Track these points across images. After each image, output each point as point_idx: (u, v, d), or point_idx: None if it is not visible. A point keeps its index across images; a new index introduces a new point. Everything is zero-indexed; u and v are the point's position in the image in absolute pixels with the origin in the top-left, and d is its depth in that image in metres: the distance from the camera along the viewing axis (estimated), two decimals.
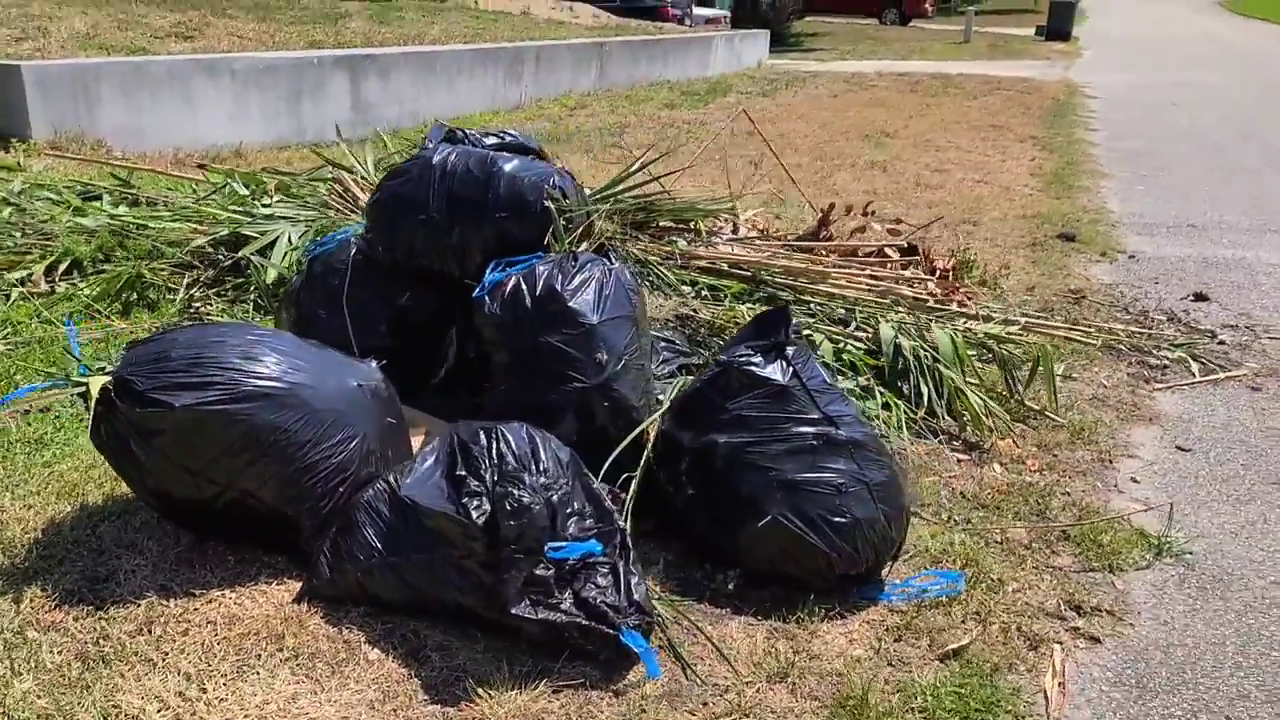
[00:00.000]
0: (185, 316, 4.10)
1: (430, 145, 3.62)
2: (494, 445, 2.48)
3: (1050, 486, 3.42)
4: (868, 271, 4.33)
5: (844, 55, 23.28)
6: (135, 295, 4.23)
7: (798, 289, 4.12)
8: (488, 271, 3.20)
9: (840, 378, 3.80)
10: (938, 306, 4.26)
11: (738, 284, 4.12)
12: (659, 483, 2.87)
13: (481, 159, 3.40)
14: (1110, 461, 3.66)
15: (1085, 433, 3.82)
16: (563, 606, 2.37)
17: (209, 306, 4.16)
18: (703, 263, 4.15)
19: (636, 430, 2.97)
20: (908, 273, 4.59)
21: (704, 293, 4.10)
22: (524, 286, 3.06)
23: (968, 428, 3.74)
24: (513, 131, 3.92)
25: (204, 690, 2.25)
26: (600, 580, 2.47)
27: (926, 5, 36.00)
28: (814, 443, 2.68)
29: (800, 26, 30.63)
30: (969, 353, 3.93)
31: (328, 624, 2.49)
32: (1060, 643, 2.62)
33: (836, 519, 2.62)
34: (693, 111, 12.60)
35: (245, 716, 2.19)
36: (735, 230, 4.66)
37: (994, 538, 3.08)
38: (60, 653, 2.34)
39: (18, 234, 4.62)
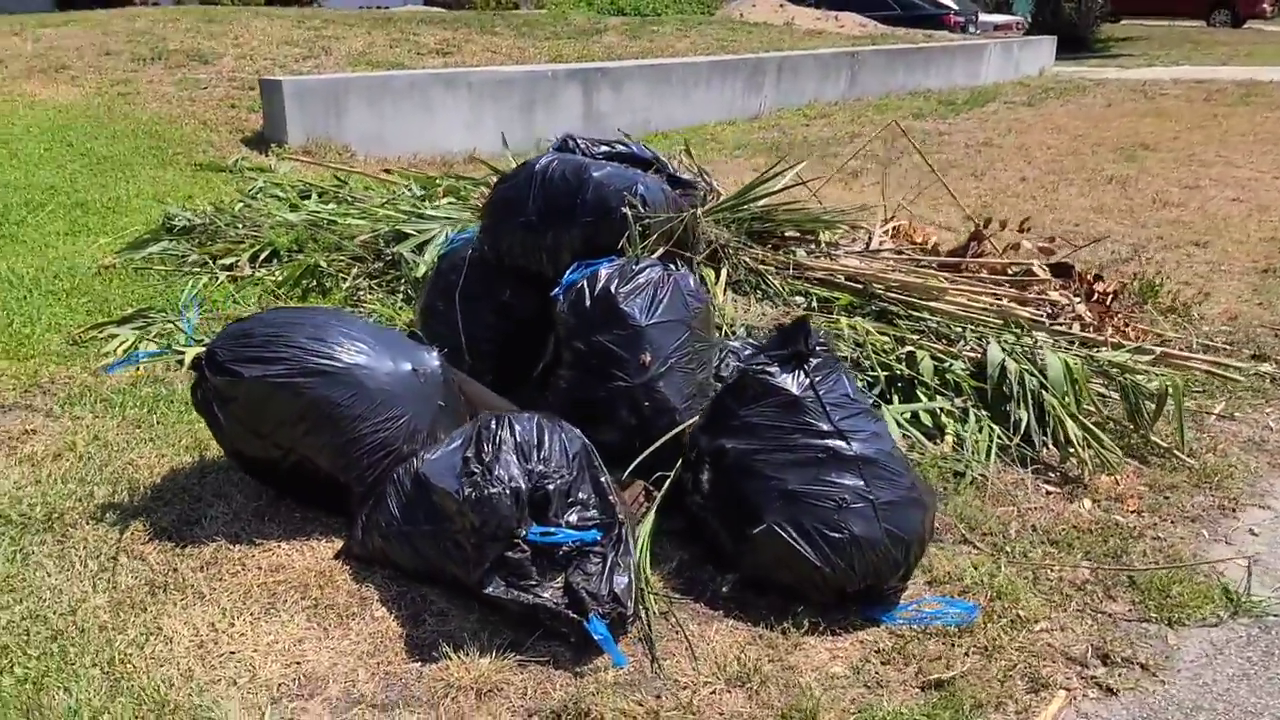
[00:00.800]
0: (349, 303, 4.58)
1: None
2: (500, 432, 2.66)
3: (1143, 529, 3.17)
4: (989, 290, 4.14)
5: (1151, 61, 21.57)
6: (314, 282, 4.77)
7: (910, 304, 4.01)
8: (568, 272, 3.40)
9: (939, 397, 3.69)
10: (1063, 330, 4.00)
11: (847, 297, 4.07)
12: (685, 484, 2.95)
13: (576, 166, 3.60)
14: (1234, 510, 3.32)
15: (1215, 477, 3.48)
16: (536, 588, 2.51)
17: (370, 295, 4.62)
18: (819, 274, 4.14)
19: (673, 432, 3.06)
20: (1054, 294, 4.32)
21: (814, 304, 4.08)
22: (587, 288, 3.23)
23: (1071, 459, 3.51)
24: (629, 142, 4.08)
25: (232, 624, 2.58)
26: (589, 568, 2.59)
27: (1265, 5, 32.43)
28: (820, 455, 2.66)
29: (1114, 31, 28.68)
30: (1088, 381, 3.68)
31: (353, 581, 2.77)
32: (1067, 689, 2.46)
33: (833, 534, 2.60)
34: (940, 122, 12.21)
35: (254, 651, 2.50)
36: (870, 242, 4.58)
37: (1047, 574, 2.90)
38: (135, 578, 2.75)
39: (241, 226, 5.31)
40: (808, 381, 2.74)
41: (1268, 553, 3.08)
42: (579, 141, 3.95)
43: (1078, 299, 4.36)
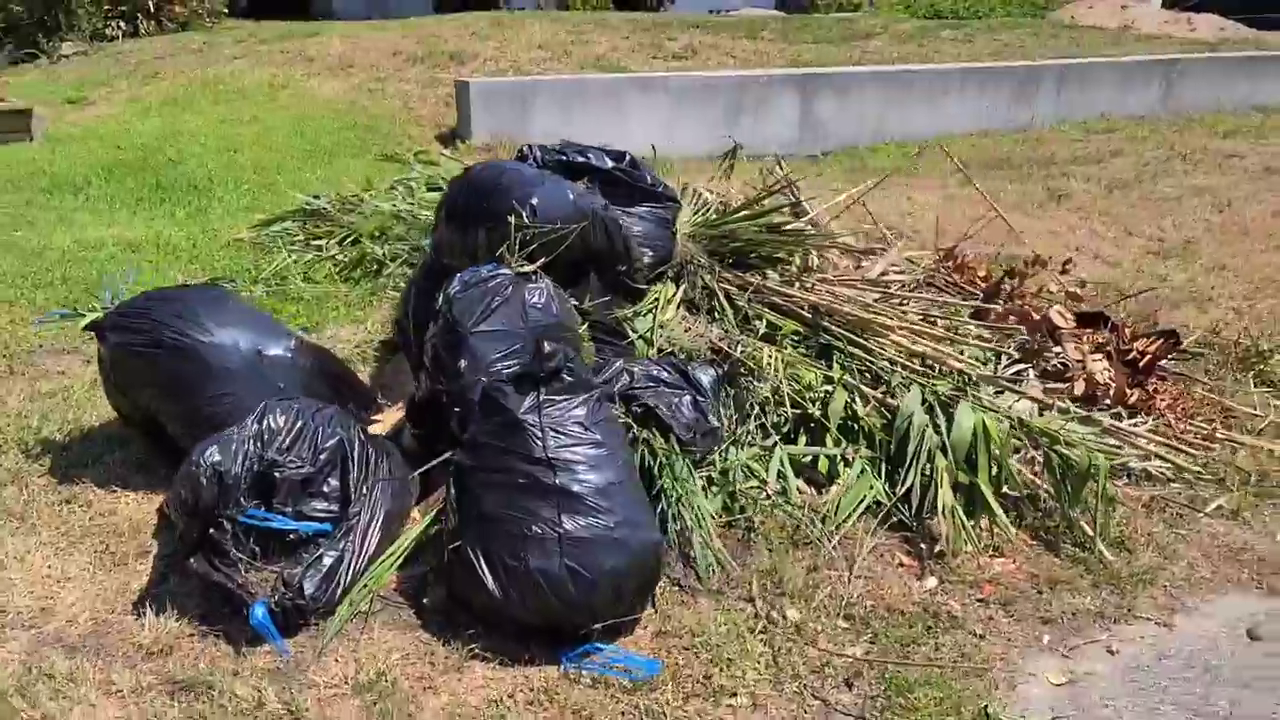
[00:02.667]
0: (380, 289, 4.93)
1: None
2: (267, 418, 2.84)
3: (970, 625, 2.75)
4: (936, 331, 3.66)
5: None
6: (374, 267, 5.18)
7: (858, 340, 3.66)
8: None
9: (849, 444, 3.38)
10: (1014, 389, 3.47)
11: (792, 325, 3.78)
12: None
13: (497, 171, 3.68)
14: (1112, 623, 2.79)
15: (1125, 584, 2.92)
16: (230, 568, 2.65)
17: (399, 283, 4.94)
18: (778, 299, 3.88)
19: None
20: (1070, 348, 3.75)
21: (763, 329, 3.84)
22: (443, 291, 3.31)
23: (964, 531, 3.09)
24: (591, 151, 4.05)
25: (29, 553, 2.95)
26: (304, 558, 2.70)
27: None
28: (521, 481, 2.59)
29: None
30: (1007, 446, 3.20)
31: (151, 537, 3.06)
32: None
33: (512, 562, 2.52)
34: (1254, 144, 10.61)
35: (24, 578, 2.84)
36: (873, 272, 4.19)
37: (801, 649, 2.62)
38: (15, 503, 3.21)
39: (351, 213, 5.84)
40: (535, 404, 2.65)
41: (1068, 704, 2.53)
42: (535, 149, 3.99)
43: (1096, 357, 3.75)
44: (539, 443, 2.61)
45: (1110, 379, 3.68)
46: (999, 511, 3.09)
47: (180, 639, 2.60)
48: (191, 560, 2.69)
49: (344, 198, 6.04)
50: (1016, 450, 3.29)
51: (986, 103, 10.73)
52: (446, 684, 2.46)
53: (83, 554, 2.97)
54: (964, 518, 3.08)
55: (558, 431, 2.63)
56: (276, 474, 2.75)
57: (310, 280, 5.14)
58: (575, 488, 2.56)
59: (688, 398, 3.50)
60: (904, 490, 3.16)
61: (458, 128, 8.13)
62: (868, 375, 3.60)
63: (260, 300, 4.90)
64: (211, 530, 2.67)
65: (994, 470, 3.19)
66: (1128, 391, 3.66)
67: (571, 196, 3.57)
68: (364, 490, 2.85)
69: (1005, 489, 3.23)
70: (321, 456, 2.83)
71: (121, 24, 14.70)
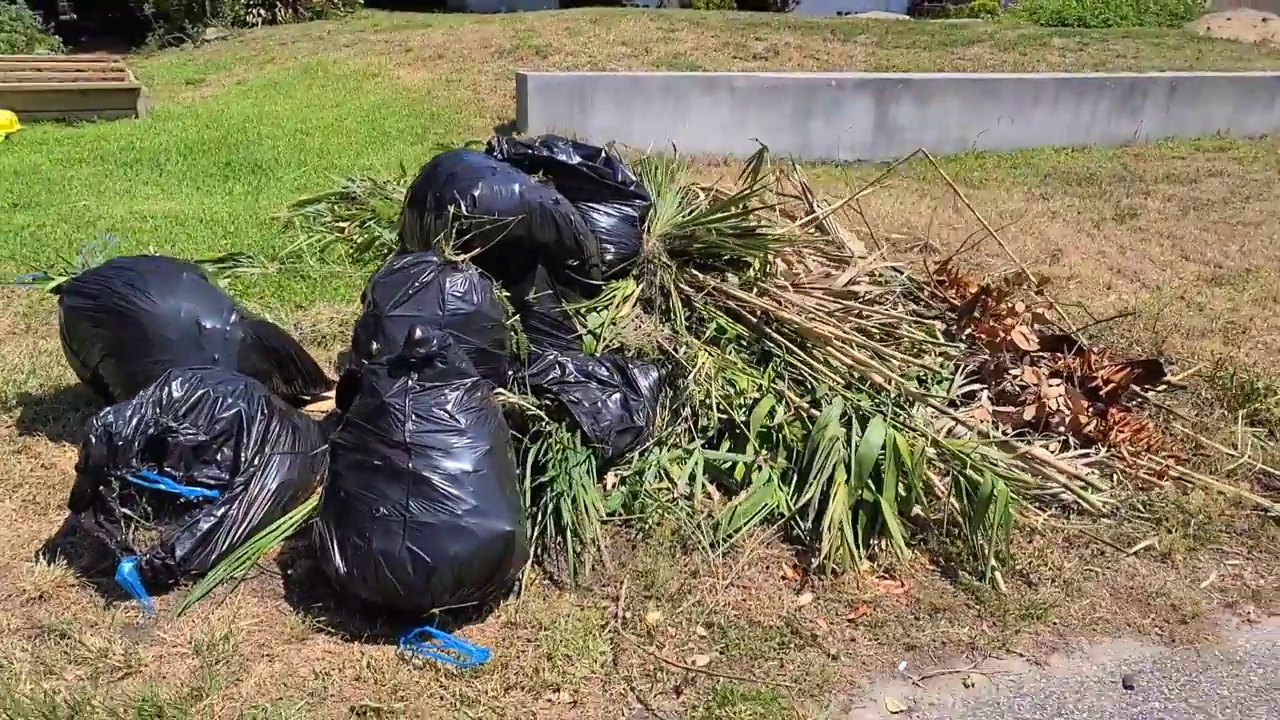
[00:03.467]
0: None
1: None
2: (168, 386, 2.97)
3: (822, 644, 2.69)
4: (872, 344, 3.54)
5: None
6: (386, 250, 5.32)
7: (797, 350, 3.58)
8: None
9: (759, 452, 3.33)
10: (939, 408, 3.34)
11: (737, 330, 3.73)
12: None
13: (453, 160, 3.74)
14: (982, 653, 2.67)
15: (1007, 616, 2.80)
16: (113, 525, 2.79)
17: None
18: (731, 302, 3.84)
19: None
20: (1027, 372, 3.59)
21: (710, 332, 3.80)
22: (376, 274, 3.40)
23: (848, 548, 3.01)
24: (563, 147, 4.07)
25: None
26: (186, 519, 2.83)
27: None
28: (377, 463, 2.64)
29: None
30: (919, 466, 3.09)
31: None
32: None
33: (357, 541, 2.58)
34: None
35: None
36: (839, 281, 4.08)
37: (641, 652, 2.60)
38: None
39: (377, 197, 6.02)
40: (404, 389, 2.71)
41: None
42: (501, 141, 4.04)
43: (1054, 382, 3.58)
44: (400, 427, 2.66)
45: (1065, 405, 3.50)
46: (895, 532, 2.99)
47: (60, 588, 2.75)
48: (81, 515, 2.84)
49: (376, 183, 6.23)
50: (947, 473, 3.17)
51: (1086, 115, 10.28)
52: (284, 653, 2.54)
53: (13, 502, 3.16)
54: (857, 535, 3.00)
55: (421, 417, 2.68)
56: (170, 439, 2.88)
57: (323, 260, 5.33)
58: (427, 473, 2.60)
59: (618, 395, 3.50)
60: (802, 503, 3.09)
61: (516, 121, 8.26)
62: (804, 385, 3.52)
63: (271, 277, 5.11)
64: (101, 488, 2.81)
65: (903, 490, 3.09)
66: (1083, 420, 3.48)
67: (517, 189, 3.60)
68: (256, 461, 2.96)
69: (919, 510, 3.13)
70: (217, 426, 2.95)
71: (261, 11, 15.52)
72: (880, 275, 4.33)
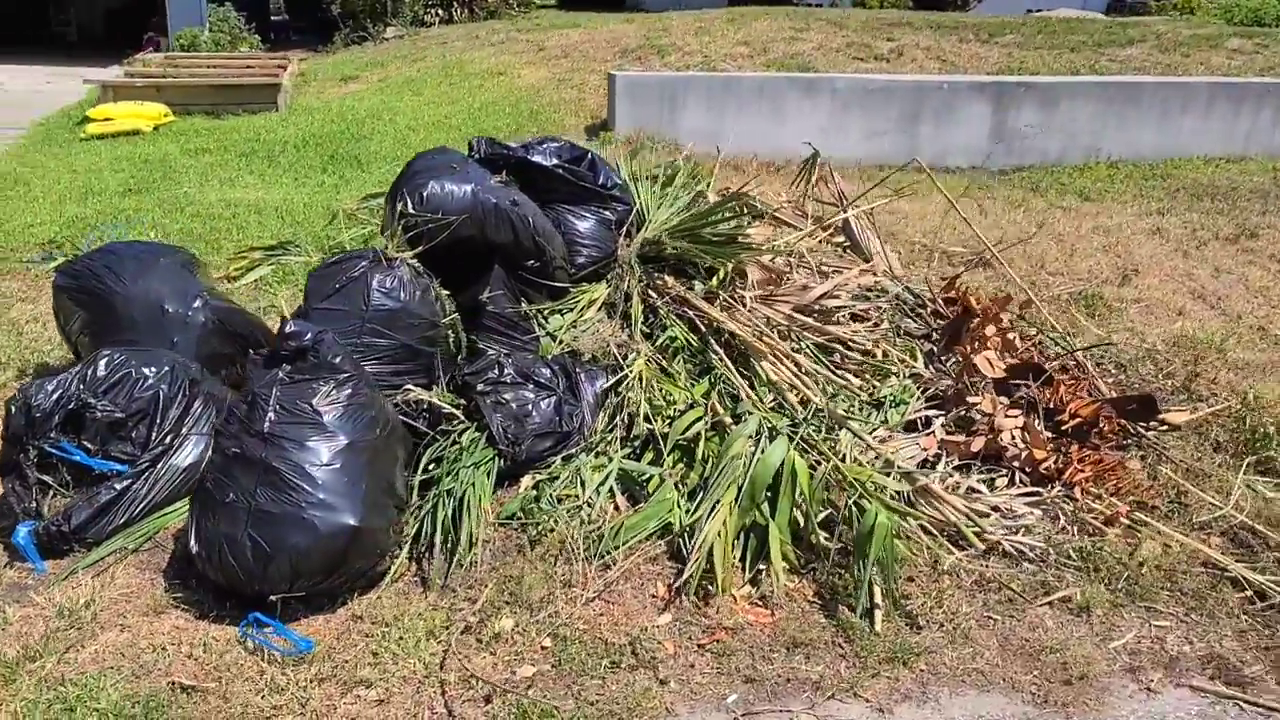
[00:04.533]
0: None
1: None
2: (95, 365, 3.17)
3: (656, 666, 2.59)
4: (802, 360, 3.34)
5: None
6: None
7: (731, 363, 3.46)
8: None
9: (674, 465, 3.25)
10: (855, 428, 3.13)
11: (688, 338, 3.63)
12: None
13: (430, 157, 3.85)
14: (826, 694, 2.52)
15: (870, 656, 2.63)
16: (27, 490, 3.00)
17: None
18: (690, 311, 3.74)
19: None
20: (985, 401, 3.34)
21: (662, 339, 3.71)
22: (313, 268, 3.52)
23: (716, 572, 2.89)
24: (538, 148, 4.08)
25: None
26: (91, 491, 3.01)
27: None
28: (236, 450, 2.73)
29: None
30: (816, 491, 2.94)
31: None
32: None
33: (208, 524, 2.69)
34: None
35: None
36: (811, 294, 3.89)
37: (476, 657, 2.60)
38: None
39: None
40: (273, 381, 2.79)
41: None
42: (481, 143, 4.08)
43: (1013, 413, 3.32)
44: (263, 417, 2.74)
45: (1020, 440, 3.24)
46: (776, 558, 2.85)
47: None
48: (6, 475, 3.07)
49: None
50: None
51: (1244, 123, 9.44)
52: (136, 624, 2.67)
53: None
54: (746, 557, 2.89)
55: (284, 409, 2.75)
56: (88, 415, 3.07)
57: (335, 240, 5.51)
58: (277, 463, 2.67)
59: (553, 399, 3.49)
60: (691, 520, 2.98)
61: (608, 119, 8.30)
62: (737, 399, 3.40)
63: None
64: (20, 455, 3.03)
65: (799, 515, 2.94)
66: (1039, 455, 3.21)
67: (470, 189, 3.64)
68: (168, 441, 3.11)
69: (823, 537, 2.97)
70: (134, 405, 3.12)
71: (439, 11, 16.27)
72: (876, 289, 4.12)
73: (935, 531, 2.99)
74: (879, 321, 3.94)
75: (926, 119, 8.53)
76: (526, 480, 3.30)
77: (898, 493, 2.97)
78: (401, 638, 2.63)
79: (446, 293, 3.59)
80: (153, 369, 3.19)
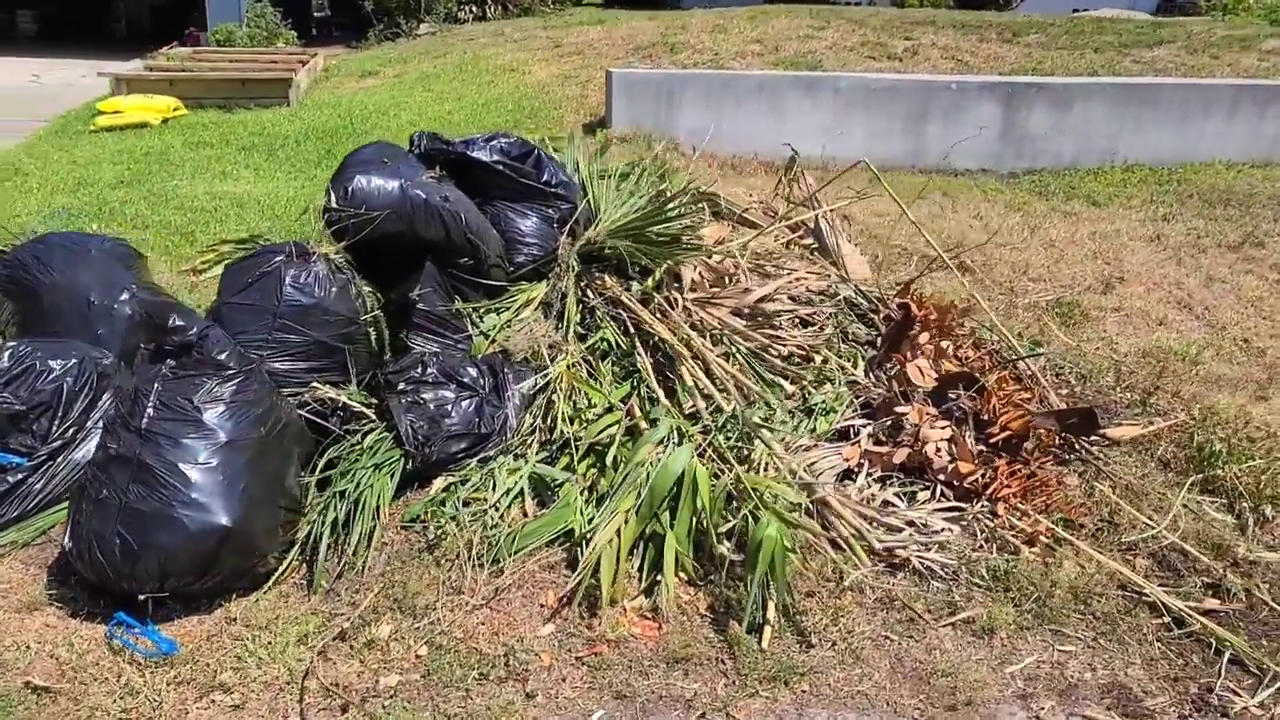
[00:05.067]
0: None
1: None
2: (1, 356, 3.15)
3: (539, 675, 2.50)
4: (716, 365, 3.22)
5: None
6: None
7: (651, 367, 3.36)
8: None
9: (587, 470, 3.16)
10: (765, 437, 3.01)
11: (613, 339, 3.53)
12: None
13: (360, 152, 3.80)
14: (698, 713, 2.41)
15: (752, 675, 2.52)
16: None
17: None
18: (624, 313, 3.64)
19: None
20: (912, 411, 3.20)
21: (593, 340, 3.62)
22: (229, 263, 3.49)
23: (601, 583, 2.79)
24: (482, 144, 4.00)
25: None
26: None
27: None
28: (113, 446, 2.68)
29: None
30: (718, 501, 2.83)
31: None
32: None
33: (81, 520, 2.64)
34: None
35: None
36: (750, 296, 3.76)
37: (345, 662, 2.53)
38: None
39: None
40: (155, 376, 2.74)
41: None
42: (422, 137, 4.01)
43: (942, 424, 3.18)
44: (142, 413, 2.69)
45: (944, 452, 3.10)
46: (668, 570, 2.74)
47: None
48: None
49: None
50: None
51: (1269, 127, 9.11)
52: (5, 621, 2.63)
53: None
54: (644, 566, 2.79)
55: (163, 405, 2.70)
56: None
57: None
58: (151, 460, 2.62)
59: (474, 400, 3.41)
60: (591, 528, 2.89)
61: (606, 116, 8.21)
62: (653, 404, 3.31)
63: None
64: None
65: (699, 524, 2.84)
66: (965, 469, 3.07)
67: (398, 184, 3.57)
68: (70, 434, 3.08)
69: (725, 549, 2.86)
70: (37, 397, 3.09)
71: (473, 8, 16.30)
72: (829, 292, 3.99)
73: (843, 545, 2.86)
74: (824, 326, 3.81)
75: (933, 119, 8.33)
76: (438, 483, 3.22)
77: (797, 505, 2.85)
78: (271, 642, 2.57)
79: (370, 289, 3.53)
80: (59, 361, 3.16)
